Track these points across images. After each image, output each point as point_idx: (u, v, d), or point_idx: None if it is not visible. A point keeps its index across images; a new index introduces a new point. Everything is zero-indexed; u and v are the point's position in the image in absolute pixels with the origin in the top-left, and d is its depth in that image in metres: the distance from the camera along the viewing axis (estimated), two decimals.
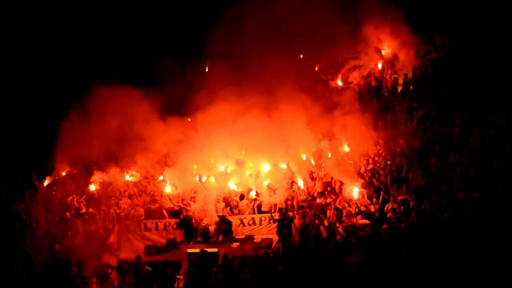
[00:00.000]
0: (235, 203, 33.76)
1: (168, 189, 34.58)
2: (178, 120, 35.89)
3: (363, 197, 31.17)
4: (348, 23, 36.69)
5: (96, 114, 35.17)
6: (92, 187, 35.10)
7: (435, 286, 26.20)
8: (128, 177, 35.52)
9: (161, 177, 35.22)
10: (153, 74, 38.37)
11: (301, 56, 37.89)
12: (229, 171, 35.04)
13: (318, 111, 34.21)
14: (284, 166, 34.22)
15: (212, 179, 34.63)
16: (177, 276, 30.89)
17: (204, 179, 34.85)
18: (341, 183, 32.07)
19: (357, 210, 30.75)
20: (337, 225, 30.41)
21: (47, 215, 33.75)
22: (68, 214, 33.61)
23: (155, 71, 38.29)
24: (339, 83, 38.58)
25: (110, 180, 35.29)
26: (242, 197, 33.89)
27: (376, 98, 36.63)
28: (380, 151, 32.97)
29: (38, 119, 39.35)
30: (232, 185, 34.29)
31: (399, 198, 30.07)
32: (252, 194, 33.86)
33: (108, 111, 35.20)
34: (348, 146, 33.89)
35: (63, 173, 36.33)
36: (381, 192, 30.80)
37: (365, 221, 30.11)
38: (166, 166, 35.51)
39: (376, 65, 38.61)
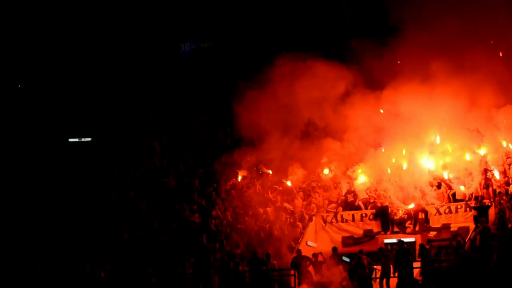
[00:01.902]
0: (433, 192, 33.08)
1: (362, 180, 34.27)
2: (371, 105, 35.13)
3: None
4: None
5: (285, 99, 35.02)
6: (287, 182, 35.41)
7: None
8: (325, 171, 35.44)
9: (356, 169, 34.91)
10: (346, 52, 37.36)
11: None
12: (424, 161, 34.25)
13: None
14: (481, 152, 33.09)
15: (405, 166, 34.13)
16: (374, 266, 30.64)
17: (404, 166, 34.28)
18: None
19: None
20: None
21: (244, 209, 34.41)
22: (267, 209, 34.14)
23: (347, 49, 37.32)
24: None
25: (306, 173, 35.44)
26: (439, 185, 33.16)
27: None
28: None
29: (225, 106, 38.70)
30: (426, 174, 33.59)
31: None
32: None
33: (298, 95, 35.08)
34: None
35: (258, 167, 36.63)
36: None
37: None
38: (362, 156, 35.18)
39: None
